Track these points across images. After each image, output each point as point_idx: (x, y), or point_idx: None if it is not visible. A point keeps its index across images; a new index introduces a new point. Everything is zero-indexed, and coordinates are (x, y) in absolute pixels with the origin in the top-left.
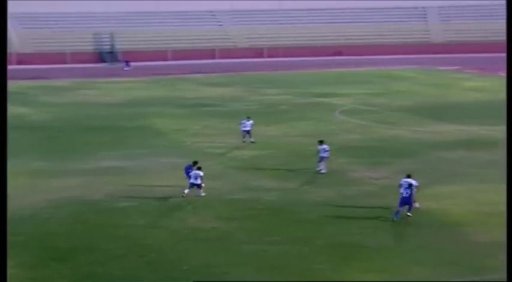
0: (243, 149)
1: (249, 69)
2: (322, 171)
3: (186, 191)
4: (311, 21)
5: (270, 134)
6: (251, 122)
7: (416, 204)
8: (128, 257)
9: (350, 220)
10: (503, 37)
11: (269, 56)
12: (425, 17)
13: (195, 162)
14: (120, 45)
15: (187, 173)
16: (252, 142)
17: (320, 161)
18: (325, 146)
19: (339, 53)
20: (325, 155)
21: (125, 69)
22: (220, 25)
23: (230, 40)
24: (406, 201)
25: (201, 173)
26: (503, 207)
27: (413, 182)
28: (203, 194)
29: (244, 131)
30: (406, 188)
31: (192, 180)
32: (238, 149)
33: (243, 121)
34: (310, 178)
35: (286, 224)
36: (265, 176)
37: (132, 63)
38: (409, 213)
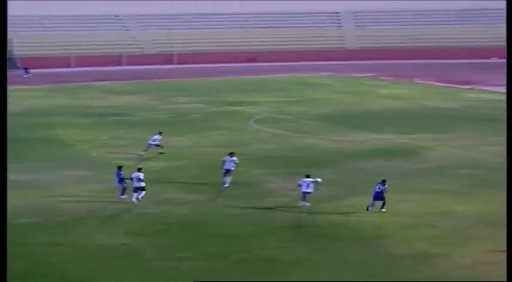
0: (153, 160)
1: (158, 77)
2: (226, 185)
3: (125, 196)
4: (223, 26)
5: (181, 145)
6: (160, 137)
7: (307, 204)
8: (31, 276)
9: (267, 233)
10: (420, 43)
11: (179, 63)
12: (339, 23)
13: (119, 167)
14: (18, 51)
15: (120, 180)
16: (160, 153)
17: (226, 174)
18: (234, 158)
19: (253, 60)
20: (231, 167)
21: (24, 76)
22: (126, 30)
23: (137, 46)
24: (379, 197)
25: (142, 175)
26: (423, 218)
27: (313, 180)
28: (135, 200)
29: (152, 144)
30: (306, 186)
31: (135, 184)
32: (148, 161)
33: (154, 136)
34: (224, 190)
35: (199, 238)
36: (177, 189)
37: (32, 70)
38: (383, 209)
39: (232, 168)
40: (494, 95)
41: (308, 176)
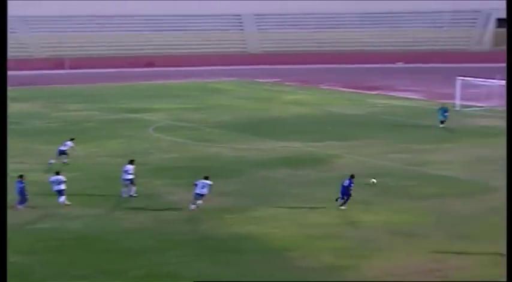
0: (44, 171)
1: (49, 82)
2: (134, 194)
3: (22, 206)
4: (119, 29)
5: (75, 155)
6: (72, 144)
7: (193, 206)
8: None
9: (167, 248)
10: (325, 47)
11: (72, 68)
12: (241, 25)
13: (20, 176)
14: None
15: (21, 189)
16: (64, 162)
17: (128, 184)
18: (130, 167)
19: (151, 64)
20: (129, 176)
21: None
22: (12, 32)
23: (24, 49)
24: (345, 192)
25: (62, 178)
26: (331, 229)
27: (210, 183)
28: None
29: (62, 150)
30: (201, 187)
31: (56, 188)
32: (38, 172)
33: (66, 142)
34: (123, 203)
35: (94, 255)
36: (71, 202)
37: None
38: (343, 207)
39: (131, 178)
40: (401, 101)
41: (207, 178)
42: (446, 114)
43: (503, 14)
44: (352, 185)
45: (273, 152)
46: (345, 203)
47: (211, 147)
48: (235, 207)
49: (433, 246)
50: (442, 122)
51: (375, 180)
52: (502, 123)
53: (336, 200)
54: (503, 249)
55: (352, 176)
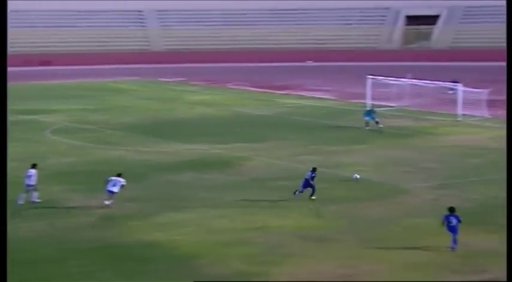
0: None
1: None
2: (37, 200)
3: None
4: (10, 25)
5: None
6: None
7: (107, 202)
8: None
9: (67, 258)
10: (232, 45)
11: None
12: (143, 22)
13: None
14: None
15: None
16: None
17: (31, 189)
18: (33, 171)
19: (47, 63)
20: (32, 182)
21: None
22: None
23: None
24: (308, 184)
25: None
26: (239, 235)
27: (122, 182)
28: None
29: None
30: (112, 184)
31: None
32: None
33: None
34: (17, 210)
35: None
36: None
37: None
38: (313, 197)
39: (33, 183)
40: (311, 101)
41: (119, 175)
42: (373, 115)
43: (412, 11)
44: (313, 175)
45: (179, 154)
46: (312, 193)
47: (113, 150)
48: (140, 213)
49: (345, 251)
50: (367, 124)
51: (358, 176)
52: (413, 124)
53: (294, 193)
54: (415, 253)
55: (314, 169)
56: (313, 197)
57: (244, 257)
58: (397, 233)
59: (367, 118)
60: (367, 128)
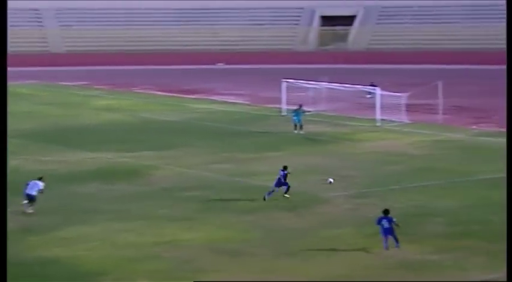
0: None
1: None
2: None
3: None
4: None
5: None
6: None
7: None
8: None
9: None
10: (137, 46)
11: None
12: (40, 22)
13: (40, 178)
14: None
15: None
16: None
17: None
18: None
19: None
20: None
21: None
22: None
23: None
24: (282, 183)
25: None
26: (147, 250)
27: (39, 183)
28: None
29: None
30: (31, 188)
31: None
32: None
33: None
34: None
35: None
36: None
37: None
38: (286, 195)
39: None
40: (223, 106)
41: (40, 179)
42: (299, 117)
43: (327, 12)
44: (285, 173)
45: (83, 164)
46: (286, 192)
47: (10, 160)
48: (40, 227)
49: (259, 264)
50: (296, 127)
51: (332, 180)
52: (331, 129)
53: (265, 197)
54: (333, 266)
55: (285, 167)
56: (286, 195)
57: (152, 273)
58: (314, 244)
59: (295, 118)
60: (296, 131)
